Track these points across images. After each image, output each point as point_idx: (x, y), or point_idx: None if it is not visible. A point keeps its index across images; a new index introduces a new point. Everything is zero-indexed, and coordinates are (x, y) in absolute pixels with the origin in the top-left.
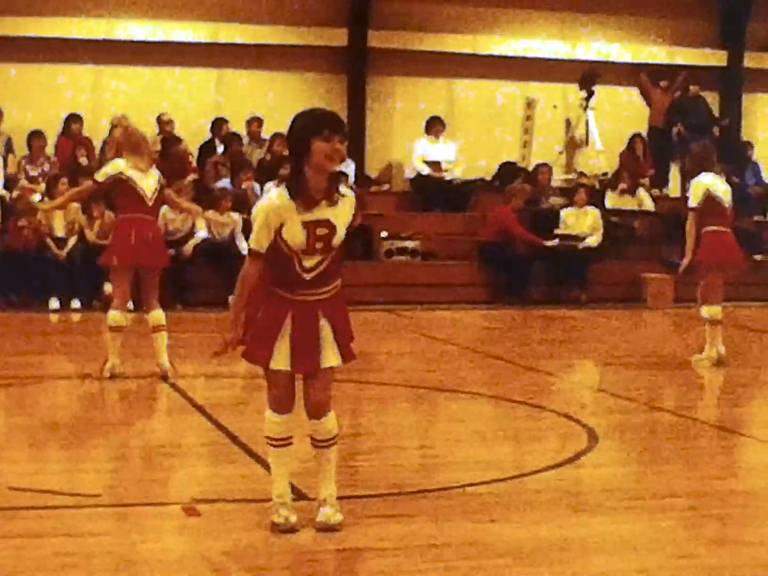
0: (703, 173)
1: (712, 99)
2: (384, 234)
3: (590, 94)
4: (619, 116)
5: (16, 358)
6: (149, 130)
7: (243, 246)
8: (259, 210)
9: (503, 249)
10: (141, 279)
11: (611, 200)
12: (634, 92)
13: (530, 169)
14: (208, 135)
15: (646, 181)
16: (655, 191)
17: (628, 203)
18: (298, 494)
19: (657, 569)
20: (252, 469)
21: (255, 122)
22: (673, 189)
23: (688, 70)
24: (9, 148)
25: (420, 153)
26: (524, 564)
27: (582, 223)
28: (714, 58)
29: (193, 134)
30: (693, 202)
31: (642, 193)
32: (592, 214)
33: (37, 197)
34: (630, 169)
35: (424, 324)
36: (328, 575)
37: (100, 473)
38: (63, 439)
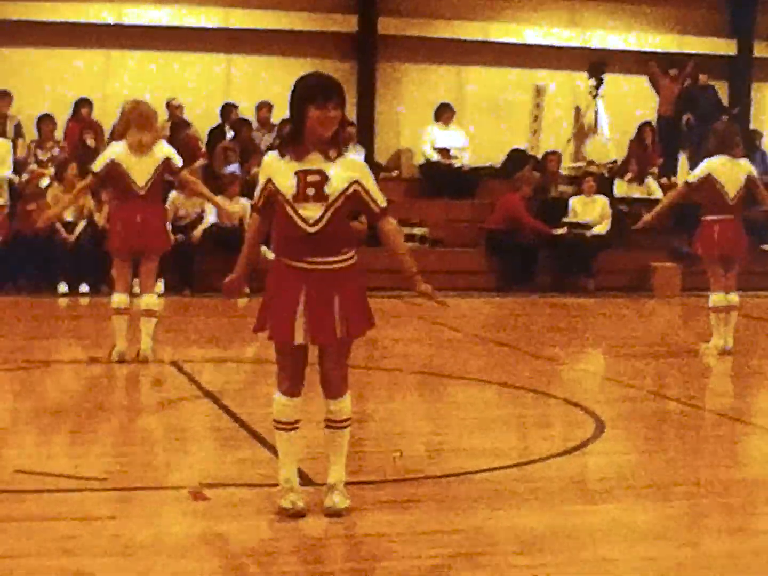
0: (718, 156)
1: (721, 88)
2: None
3: (599, 82)
4: (628, 105)
5: (24, 343)
6: (159, 115)
7: None
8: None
9: (511, 236)
10: (140, 263)
11: (620, 189)
12: (643, 81)
13: (539, 156)
14: (217, 120)
15: (654, 169)
16: (664, 180)
17: (636, 192)
18: (305, 479)
19: (663, 557)
20: (259, 454)
21: (264, 108)
22: (682, 178)
23: (698, 59)
24: (19, 132)
25: (429, 140)
26: (530, 551)
27: (590, 211)
28: (723, 47)
29: (202, 119)
30: (691, 177)
31: (650, 181)
32: (601, 202)
33: (46, 181)
34: (639, 158)
35: (431, 311)
36: (335, 560)
37: (107, 457)
38: (70, 423)
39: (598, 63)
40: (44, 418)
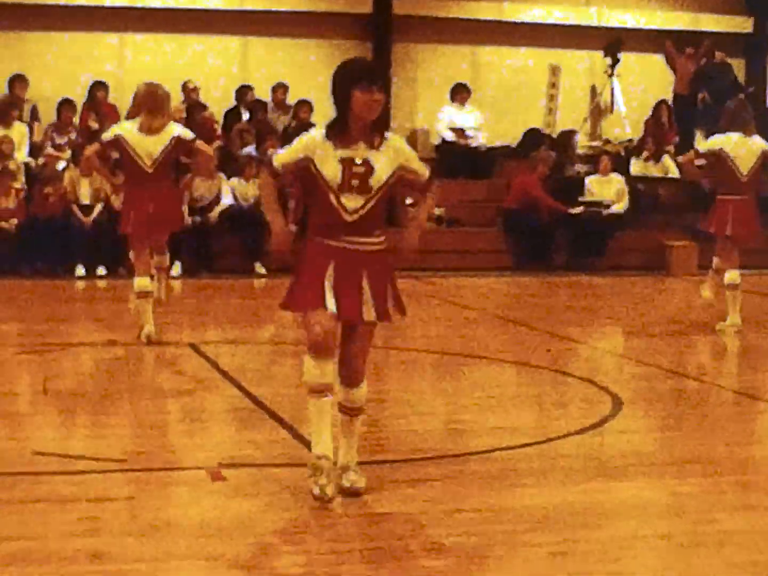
0: (730, 133)
1: (738, 66)
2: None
3: (615, 61)
4: (644, 83)
5: (42, 326)
6: (175, 97)
7: None
8: (296, 139)
9: (527, 216)
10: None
11: (636, 167)
12: (659, 59)
13: (555, 136)
14: (233, 102)
15: (671, 148)
16: (680, 158)
17: (652, 170)
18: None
19: (679, 534)
20: (277, 434)
21: (280, 89)
22: None
23: (714, 37)
24: (35, 115)
25: (445, 120)
26: (547, 529)
27: (606, 190)
28: (739, 24)
29: (218, 101)
30: (702, 147)
31: (667, 160)
32: (617, 181)
33: (62, 164)
34: (655, 137)
35: (448, 290)
36: (353, 538)
37: (125, 438)
38: (88, 405)
39: (614, 42)
40: (63, 400)
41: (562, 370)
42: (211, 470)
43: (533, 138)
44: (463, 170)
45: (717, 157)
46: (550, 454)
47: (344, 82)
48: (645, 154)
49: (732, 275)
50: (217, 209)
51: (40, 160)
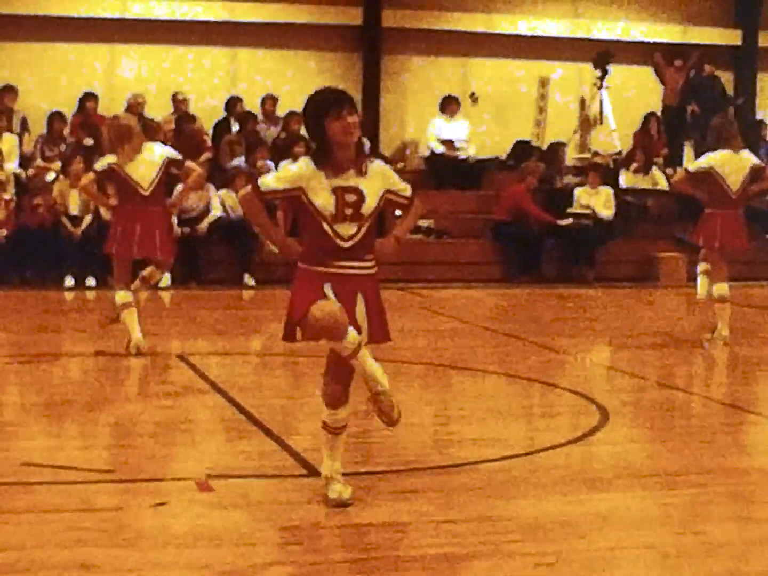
0: (720, 151)
1: (727, 78)
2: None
3: (604, 73)
4: (633, 95)
5: (31, 336)
6: (164, 108)
7: None
8: (283, 166)
9: (516, 227)
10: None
11: (625, 179)
12: (648, 71)
13: (544, 147)
14: (222, 113)
15: (660, 160)
16: (669, 170)
17: (642, 182)
18: (310, 470)
19: (666, 545)
20: (266, 445)
21: (270, 101)
22: None
23: (703, 50)
24: (25, 126)
25: (434, 132)
26: (535, 540)
27: (595, 202)
28: (728, 37)
29: (208, 113)
30: (692, 166)
31: (656, 172)
32: (606, 193)
33: (51, 176)
34: (644, 148)
35: (437, 302)
36: (341, 550)
37: (114, 449)
38: (76, 416)
39: (603, 54)
40: (51, 410)
41: (551, 382)
42: (199, 481)
43: (522, 150)
44: (453, 182)
45: (707, 175)
46: (537, 465)
47: (316, 114)
48: (634, 165)
49: (720, 288)
50: (206, 220)
51: (30, 171)
